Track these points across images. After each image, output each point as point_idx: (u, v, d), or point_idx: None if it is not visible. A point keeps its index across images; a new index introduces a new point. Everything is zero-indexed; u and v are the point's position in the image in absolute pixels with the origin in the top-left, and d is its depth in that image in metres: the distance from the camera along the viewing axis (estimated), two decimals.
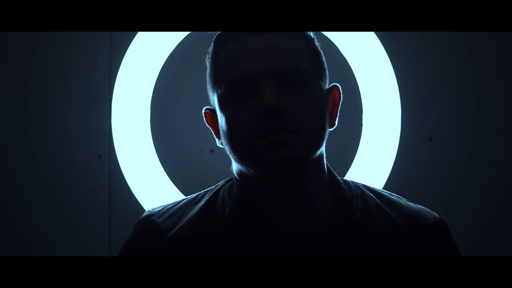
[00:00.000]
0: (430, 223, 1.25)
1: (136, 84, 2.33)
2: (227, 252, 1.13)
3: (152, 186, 2.33)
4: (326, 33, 2.30)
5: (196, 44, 2.37)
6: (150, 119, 2.35)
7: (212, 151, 2.45)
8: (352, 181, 1.26)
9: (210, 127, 1.22)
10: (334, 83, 1.22)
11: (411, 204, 1.28)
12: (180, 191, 2.34)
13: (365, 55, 2.33)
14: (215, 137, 1.22)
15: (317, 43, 1.19)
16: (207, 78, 1.20)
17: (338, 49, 2.33)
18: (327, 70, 1.20)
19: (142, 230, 1.21)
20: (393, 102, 2.34)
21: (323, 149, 1.18)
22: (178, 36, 2.34)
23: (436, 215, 1.29)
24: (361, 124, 2.36)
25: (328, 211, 1.18)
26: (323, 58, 1.20)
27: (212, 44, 1.20)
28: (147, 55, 2.32)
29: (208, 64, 1.20)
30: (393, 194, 1.28)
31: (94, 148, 2.39)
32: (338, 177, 1.24)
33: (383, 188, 2.36)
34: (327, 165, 1.22)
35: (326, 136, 1.17)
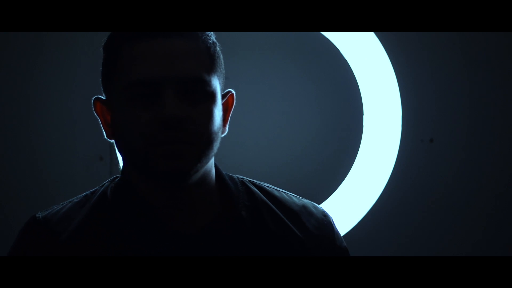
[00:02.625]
0: (316, 219, 1.25)
1: None
2: (118, 253, 1.13)
3: None
4: (326, 34, 2.30)
5: None
6: None
7: None
8: (238, 177, 1.26)
9: (99, 117, 1.20)
10: (229, 89, 1.22)
11: (295, 199, 1.27)
12: None
13: (365, 56, 2.33)
14: (102, 128, 1.19)
15: (218, 48, 1.18)
16: (102, 68, 1.18)
17: (338, 50, 2.33)
18: (224, 75, 1.20)
19: (31, 237, 1.17)
20: (393, 103, 2.35)
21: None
22: None
23: (322, 209, 1.29)
24: (362, 126, 2.36)
25: (216, 210, 1.19)
26: (223, 62, 1.19)
27: (112, 33, 1.17)
28: None
29: (104, 53, 1.17)
30: (278, 188, 1.28)
31: (95, 150, 2.40)
32: (224, 174, 1.24)
33: (384, 190, 2.37)
34: (214, 162, 1.22)
35: (219, 143, 1.18)
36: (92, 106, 1.21)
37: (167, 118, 1.09)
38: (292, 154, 2.46)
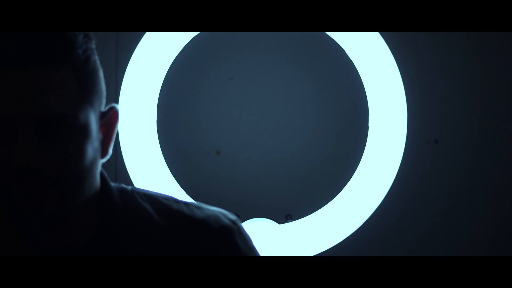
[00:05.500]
0: (213, 232, 1.12)
1: (143, 85, 2.33)
2: None
3: (159, 188, 2.33)
4: (331, 34, 2.30)
5: (205, 44, 2.37)
6: (157, 121, 2.36)
7: (218, 153, 2.45)
8: (133, 189, 1.14)
9: None
10: (112, 105, 1.07)
11: (197, 212, 1.13)
12: (186, 193, 2.34)
13: (370, 56, 2.33)
14: None
15: (94, 60, 1.03)
16: None
17: (343, 50, 2.33)
18: (104, 90, 1.06)
19: None
20: (399, 104, 2.34)
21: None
22: (186, 37, 2.34)
23: (225, 220, 1.14)
24: (367, 126, 2.36)
25: (96, 227, 1.07)
26: (101, 77, 1.05)
27: None
28: (154, 55, 2.32)
29: None
30: (179, 201, 1.15)
31: None
32: (115, 187, 1.12)
33: (389, 191, 2.36)
34: (103, 175, 1.10)
35: (98, 171, 1.06)
36: None
37: (21, 165, 0.95)
38: (296, 155, 2.46)
